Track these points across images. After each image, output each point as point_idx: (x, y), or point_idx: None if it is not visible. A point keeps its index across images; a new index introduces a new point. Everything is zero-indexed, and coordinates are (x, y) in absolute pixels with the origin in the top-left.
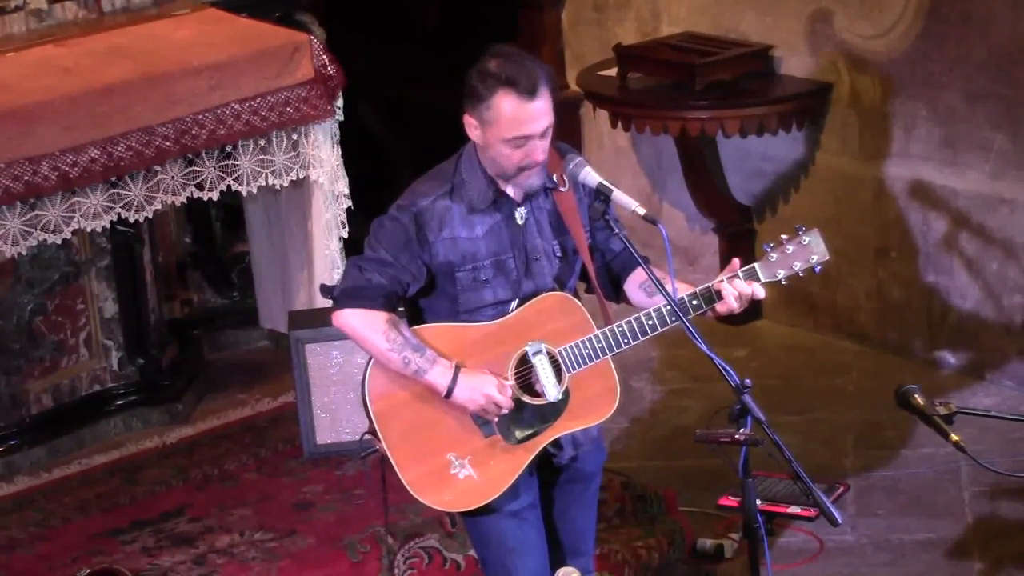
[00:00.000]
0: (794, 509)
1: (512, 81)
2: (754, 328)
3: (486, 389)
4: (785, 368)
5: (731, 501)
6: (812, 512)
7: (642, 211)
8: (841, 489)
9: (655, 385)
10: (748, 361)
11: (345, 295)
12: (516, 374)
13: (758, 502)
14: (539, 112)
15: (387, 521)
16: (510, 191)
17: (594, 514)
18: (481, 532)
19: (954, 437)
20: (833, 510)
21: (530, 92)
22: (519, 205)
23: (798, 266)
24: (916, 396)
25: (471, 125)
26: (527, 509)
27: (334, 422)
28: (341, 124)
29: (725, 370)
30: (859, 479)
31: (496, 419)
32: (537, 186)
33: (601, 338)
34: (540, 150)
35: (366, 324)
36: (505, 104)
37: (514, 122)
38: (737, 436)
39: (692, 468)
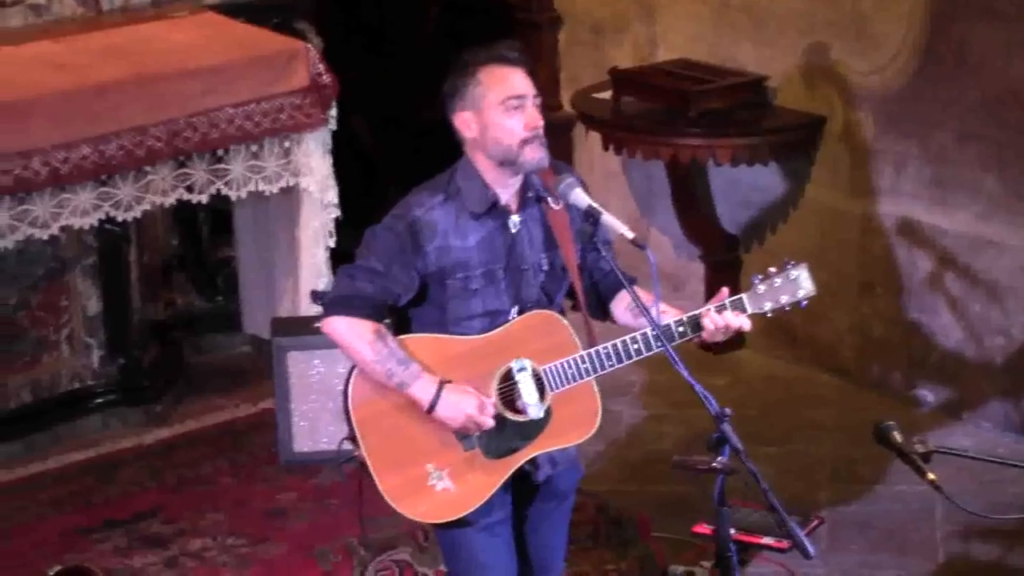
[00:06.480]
0: (767, 540)
1: (490, 55)
2: (735, 357)
3: (467, 408)
4: (764, 399)
5: (704, 529)
6: (785, 544)
7: (630, 235)
8: (815, 522)
9: (634, 409)
10: (728, 390)
11: (334, 303)
12: (499, 390)
13: (731, 531)
14: (524, 75)
15: (361, 532)
16: (504, 198)
17: (565, 532)
18: (452, 544)
19: (930, 476)
20: (806, 543)
21: (510, 59)
22: (512, 214)
23: (785, 300)
24: (894, 433)
25: (464, 123)
26: (499, 524)
27: (312, 431)
28: (333, 134)
29: (705, 398)
30: (833, 513)
31: (477, 434)
32: (546, 164)
33: (586, 359)
34: (539, 115)
35: (353, 333)
36: (491, 73)
37: (504, 83)
38: (714, 464)
39: (667, 494)
